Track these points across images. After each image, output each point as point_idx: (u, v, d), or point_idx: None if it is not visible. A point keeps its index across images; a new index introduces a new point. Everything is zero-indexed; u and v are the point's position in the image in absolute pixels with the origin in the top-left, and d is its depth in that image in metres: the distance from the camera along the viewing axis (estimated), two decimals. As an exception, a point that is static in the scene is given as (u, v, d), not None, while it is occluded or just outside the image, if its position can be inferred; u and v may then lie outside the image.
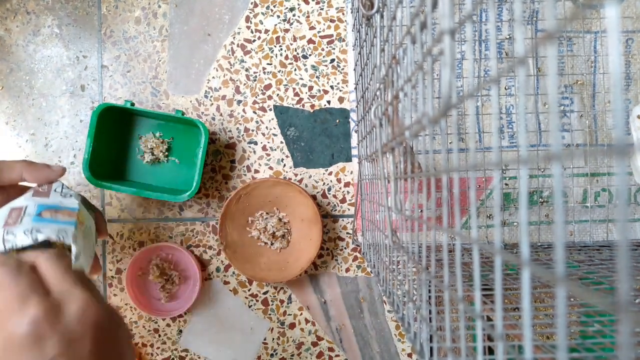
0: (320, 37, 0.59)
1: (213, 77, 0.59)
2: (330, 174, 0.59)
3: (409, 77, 0.24)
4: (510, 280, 0.43)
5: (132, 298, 0.56)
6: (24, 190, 0.42)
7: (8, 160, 0.41)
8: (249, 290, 0.60)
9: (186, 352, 0.60)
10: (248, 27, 0.59)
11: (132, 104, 0.53)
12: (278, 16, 0.59)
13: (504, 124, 0.56)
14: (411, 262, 0.28)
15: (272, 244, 0.58)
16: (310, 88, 0.59)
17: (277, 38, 0.59)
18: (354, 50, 0.57)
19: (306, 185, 0.59)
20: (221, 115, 0.59)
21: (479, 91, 0.55)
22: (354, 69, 0.57)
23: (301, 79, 0.59)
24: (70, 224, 0.36)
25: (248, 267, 0.56)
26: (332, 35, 0.59)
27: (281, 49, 0.59)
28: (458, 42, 0.56)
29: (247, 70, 0.59)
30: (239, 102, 0.59)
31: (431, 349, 0.26)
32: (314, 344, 0.60)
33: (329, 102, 0.59)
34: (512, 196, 0.56)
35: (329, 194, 0.59)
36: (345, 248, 0.60)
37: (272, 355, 0.60)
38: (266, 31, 0.59)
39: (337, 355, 0.60)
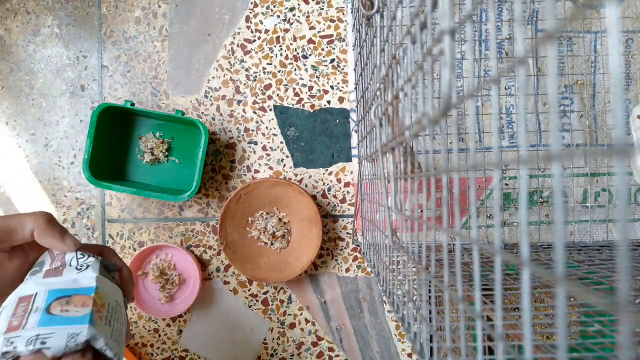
0: (320, 37, 0.59)
1: (213, 77, 0.59)
2: (330, 174, 0.59)
3: (409, 77, 0.24)
4: (510, 280, 0.43)
5: (132, 298, 0.57)
6: (42, 250, 0.37)
7: (20, 216, 0.35)
8: (249, 290, 0.60)
9: (186, 352, 0.60)
10: (248, 27, 0.59)
11: (132, 104, 0.53)
12: (278, 16, 0.59)
13: (504, 124, 0.56)
14: (411, 262, 0.28)
15: (272, 244, 0.58)
16: (310, 88, 0.59)
17: (277, 38, 0.59)
18: (354, 50, 0.57)
19: (306, 185, 0.59)
20: (221, 115, 0.59)
21: (479, 91, 0.55)
22: (354, 69, 0.57)
23: (301, 79, 0.59)
24: (83, 320, 0.31)
25: (248, 267, 0.56)
26: (332, 35, 0.59)
27: (281, 49, 0.59)
28: (458, 42, 0.56)
29: (247, 70, 0.59)
30: (239, 102, 0.59)
31: (431, 349, 0.26)
32: (314, 344, 0.60)
33: (329, 102, 0.59)
34: (512, 196, 0.56)
35: (329, 194, 0.59)
36: (345, 248, 0.59)
37: (272, 355, 0.60)
38: (266, 31, 0.59)
39: (337, 355, 0.60)
